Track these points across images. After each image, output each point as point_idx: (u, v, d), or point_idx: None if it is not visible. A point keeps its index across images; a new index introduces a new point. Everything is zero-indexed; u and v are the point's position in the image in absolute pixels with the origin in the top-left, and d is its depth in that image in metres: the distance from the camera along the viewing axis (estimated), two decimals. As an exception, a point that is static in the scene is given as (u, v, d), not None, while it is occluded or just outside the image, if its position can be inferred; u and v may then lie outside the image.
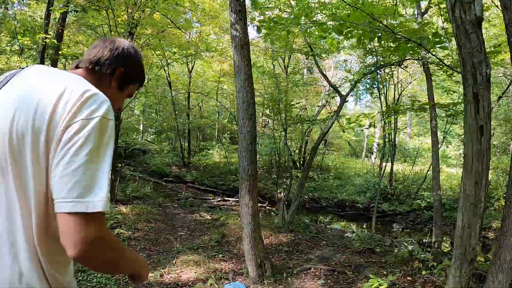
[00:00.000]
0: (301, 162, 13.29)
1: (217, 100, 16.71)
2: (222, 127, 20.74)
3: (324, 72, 7.96)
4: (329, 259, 4.25)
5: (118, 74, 1.07)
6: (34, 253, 0.85)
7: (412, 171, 12.48)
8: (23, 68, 0.97)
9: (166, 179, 13.35)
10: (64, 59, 9.48)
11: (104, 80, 1.05)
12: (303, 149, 13.80)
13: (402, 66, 9.27)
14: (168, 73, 14.93)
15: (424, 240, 6.67)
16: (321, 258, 4.29)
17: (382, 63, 7.63)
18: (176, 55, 14.41)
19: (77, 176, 0.77)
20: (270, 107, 5.57)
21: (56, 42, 6.53)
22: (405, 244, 4.47)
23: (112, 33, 9.75)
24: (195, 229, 5.88)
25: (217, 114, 20.95)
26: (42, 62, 6.28)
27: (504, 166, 11.55)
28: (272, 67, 11.34)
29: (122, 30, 9.92)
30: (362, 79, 7.41)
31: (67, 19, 8.76)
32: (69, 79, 0.90)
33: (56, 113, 0.81)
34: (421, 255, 4.17)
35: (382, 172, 12.84)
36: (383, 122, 12.82)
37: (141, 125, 27.02)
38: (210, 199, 10.78)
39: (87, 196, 0.77)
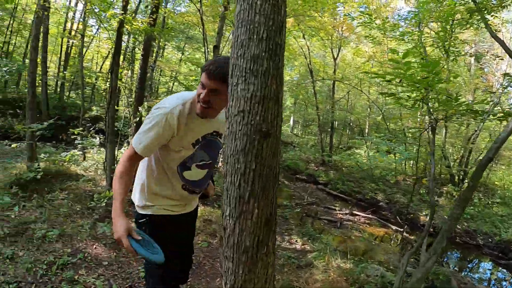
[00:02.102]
0: (460, 178, 10.07)
1: (363, 92, 14.72)
2: (376, 125, 18.25)
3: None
4: None
5: None
6: None
7: None
8: None
9: (298, 176, 12.25)
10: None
11: None
12: (464, 160, 10.43)
13: None
14: (310, 61, 13.96)
15: None
16: None
17: None
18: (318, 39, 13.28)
19: None
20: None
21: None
22: None
23: None
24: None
25: (368, 109, 18.64)
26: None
27: None
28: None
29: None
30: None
31: None
32: None
33: None
34: None
35: None
36: None
37: (291, 118, 27.06)
38: (336, 210, 9.17)
39: None
